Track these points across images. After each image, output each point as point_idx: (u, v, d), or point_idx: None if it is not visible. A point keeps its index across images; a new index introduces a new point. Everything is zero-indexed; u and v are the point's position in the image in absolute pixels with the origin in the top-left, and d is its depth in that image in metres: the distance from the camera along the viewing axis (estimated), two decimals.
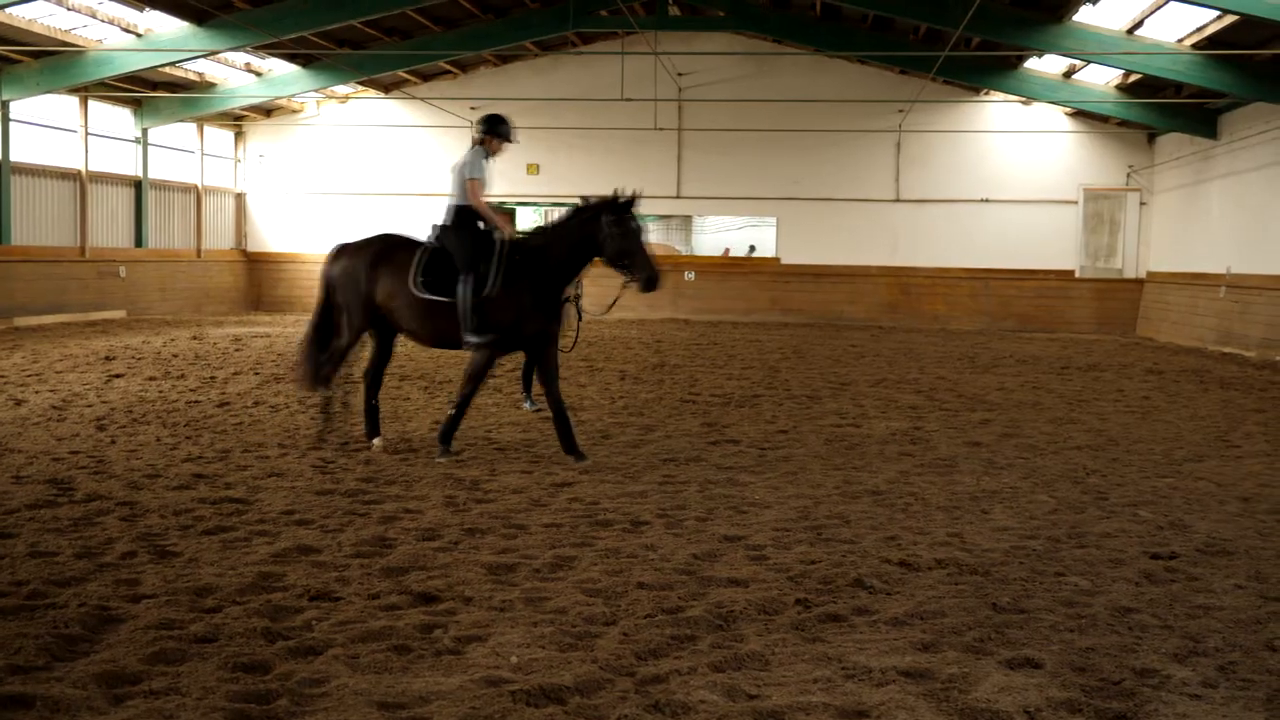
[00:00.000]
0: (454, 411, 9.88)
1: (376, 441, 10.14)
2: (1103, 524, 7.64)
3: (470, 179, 9.81)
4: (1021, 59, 25.32)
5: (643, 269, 9.55)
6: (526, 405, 12.65)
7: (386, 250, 9.95)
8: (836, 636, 5.30)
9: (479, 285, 9.41)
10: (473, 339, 9.47)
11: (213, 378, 14.82)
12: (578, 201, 9.83)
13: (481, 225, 9.85)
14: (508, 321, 9.50)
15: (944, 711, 4.43)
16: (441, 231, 9.86)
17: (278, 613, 5.42)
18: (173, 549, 6.50)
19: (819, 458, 10.00)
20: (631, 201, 9.49)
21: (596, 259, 9.66)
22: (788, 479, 9.04)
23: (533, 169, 30.66)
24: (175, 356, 17.34)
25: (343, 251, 10.27)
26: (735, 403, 13.64)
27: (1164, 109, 25.25)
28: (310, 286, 30.74)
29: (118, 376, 14.57)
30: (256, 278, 31.52)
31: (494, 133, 10.13)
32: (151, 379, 14.46)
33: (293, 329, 23.94)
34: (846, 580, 6.14)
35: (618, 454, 10.10)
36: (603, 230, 9.46)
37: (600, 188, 29.98)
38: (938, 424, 12.12)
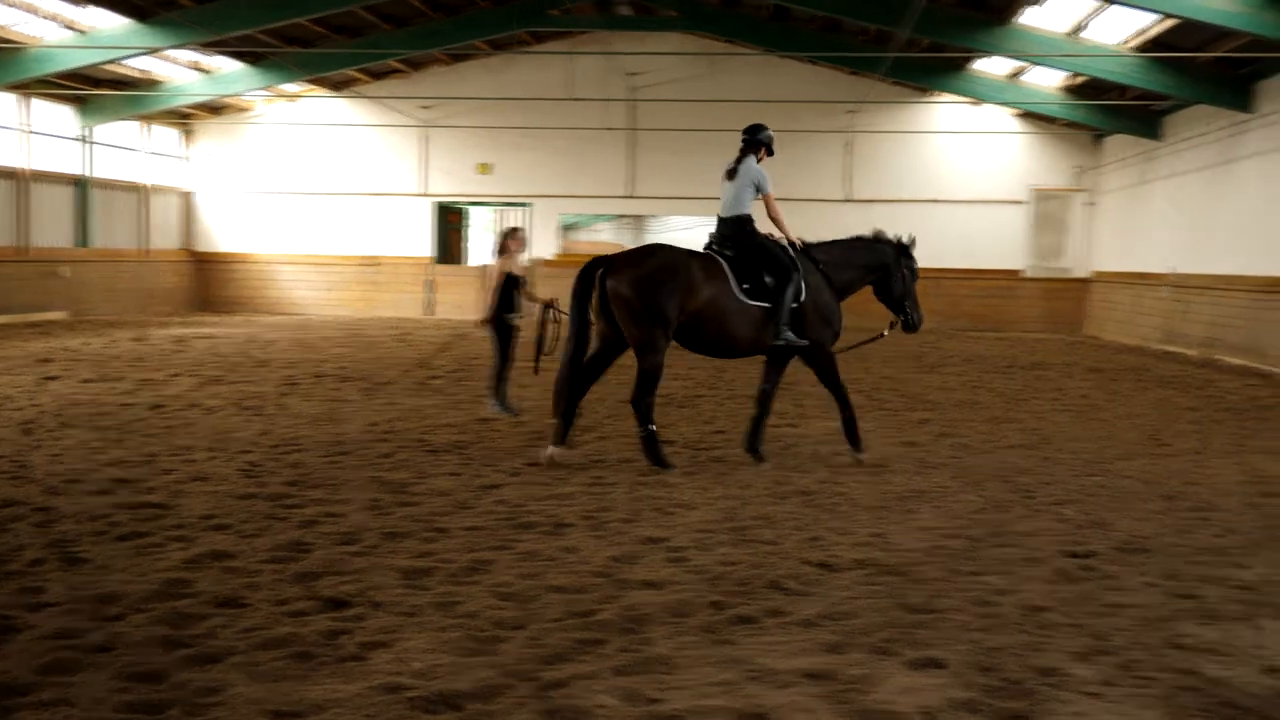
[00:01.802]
0: (845, 414, 9.90)
1: (556, 450, 9.65)
2: (1026, 523, 7.68)
3: (769, 192, 9.90)
4: (969, 60, 25.47)
5: (915, 312, 10.35)
6: (494, 408, 12.51)
7: (694, 260, 9.54)
8: (746, 639, 5.28)
9: (797, 292, 9.60)
10: (793, 338, 9.61)
11: (150, 380, 14.66)
12: (866, 233, 10.40)
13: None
14: (830, 326, 9.87)
15: (842, 713, 4.43)
16: (735, 241, 9.76)
17: (181, 620, 5.34)
18: (83, 555, 6.40)
19: (750, 458, 9.98)
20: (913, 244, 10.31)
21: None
22: (718, 480, 9.03)
23: (484, 168, 30.57)
24: (115, 358, 17.17)
25: (625, 265, 9.38)
26: (677, 403, 13.64)
27: (1110, 110, 25.45)
28: (261, 286, 30.69)
29: (52, 379, 14.40)
30: (204, 278, 31.24)
31: (766, 141, 10.06)
32: (87, 381, 14.30)
33: (238, 330, 23.79)
34: (763, 582, 6.14)
35: None
36: (898, 269, 10.22)
37: (553, 187, 30.17)
38: (875, 424, 12.13)
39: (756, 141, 9.99)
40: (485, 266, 12.85)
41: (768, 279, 9.59)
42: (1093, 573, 6.43)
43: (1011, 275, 29.53)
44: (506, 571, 6.31)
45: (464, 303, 30.22)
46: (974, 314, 29.18)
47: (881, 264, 10.23)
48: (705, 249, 9.87)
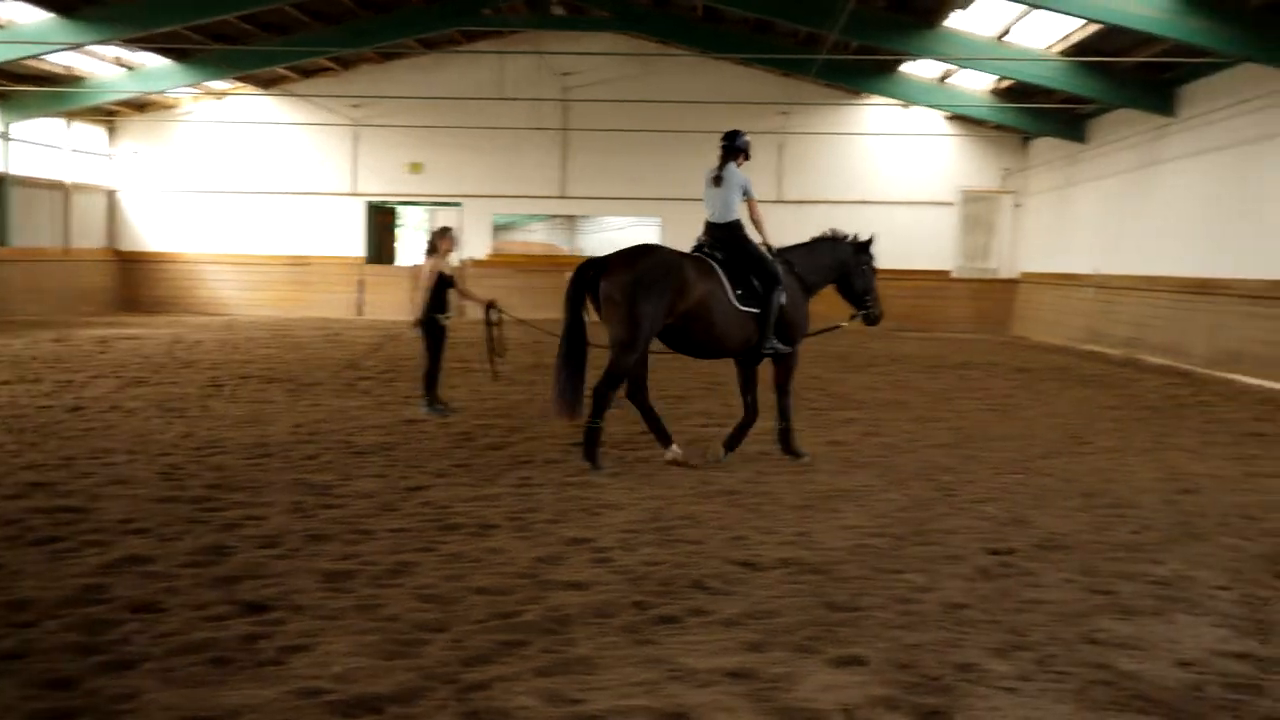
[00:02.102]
0: (784, 424, 10.09)
1: (675, 448, 9.80)
2: (948, 520, 7.76)
3: (754, 197, 10.18)
4: (898, 63, 25.69)
5: (876, 306, 10.79)
6: (424, 409, 12.45)
7: (687, 262, 9.61)
8: (668, 638, 5.29)
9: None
10: (779, 347, 9.92)
11: (70, 381, 14.41)
12: (825, 233, 10.81)
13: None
14: (801, 330, 10.15)
15: (763, 711, 4.46)
16: (727, 245, 9.92)
17: (96, 626, 5.26)
18: None
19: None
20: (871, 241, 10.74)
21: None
22: (644, 480, 9.04)
23: (416, 167, 30.38)
24: (34, 359, 16.85)
25: (618, 266, 9.40)
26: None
27: (1036, 113, 25.78)
28: (189, 286, 30.30)
29: None
30: (129, 278, 30.73)
31: (744, 147, 10.28)
32: (4, 383, 14.03)
33: (164, 330, 23.46)
34: (686, 582, 6.15)
35: (476, 456, 10.02)
36: (858, 264, 10.63)
37: (485, 187, 30.00)
38: (802, 423, 12.14)
39: (736, 148, 10.18)
40: (416, 266, 12.78)
41: (757, 284, 9.77)
42: (1012, 570, 6.51)
43: (940, 276, 29.83)
44: (430, 574, 6.28)
45: (395, 303, 29.98)
46: (903, 314, 29.30)
47: (844, 262, 10.62)
48: (696, 251, 10.00)
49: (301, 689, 4.58)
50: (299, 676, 4.75)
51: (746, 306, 9.72)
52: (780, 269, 9.95)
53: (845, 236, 10.76)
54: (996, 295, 29.85)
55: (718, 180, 10.06)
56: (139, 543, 6.75)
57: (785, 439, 10.11)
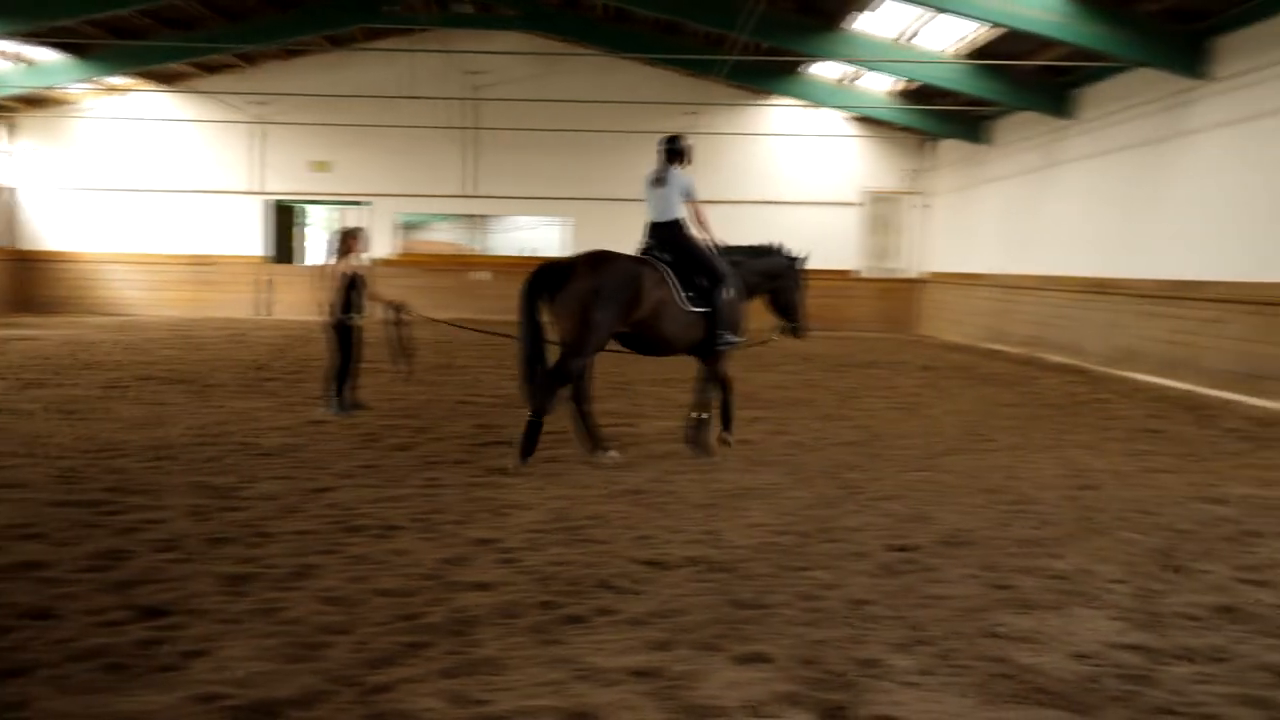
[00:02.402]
0: (705, 416, 10.26)
1: (615, 454, 9.89)
2: (853, 518, 7.84)
3: (698, 199, 10.27)
4: (804, 64, 25.91)
5: (804, 320, 11.26)
6: (332, 410, 12.35)
7: (641, 266, 9.74)
8: (575, 638, 5.29)
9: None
10: (734, 340, 10.18)
11: None
12: (770, 242, 11.07)
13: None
14: (743, 324, 10.37)
15: (668, 709, 4.47)
16: (672, 245, 10.06)
17: None
18: None
19: (585, 458, 10.00)
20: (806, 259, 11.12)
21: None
22: (551, 480, 9.02)
23: (322, 166, 30.01)
24: None
25: (581, 272, 9.46)
26: (514, 404, 13.54)
27: (939, 115, 26.16)
28: (90, 286, 29.64)
29: None
30: (27, 277, 29.91)
31: (685, 150, 10.33)
32: None
33: (63, 331, 22.95)
34: (593, 581, 6.15)
35: (382, 457, 9.92)
36: (790, 278, 10.95)
37: (391, 186, 29.69)
38: (711, 422, 12.25)
39: (677, 151, 10.25)
40: (324, 266, 12.63)
41: (704, 283, 9.98)
42: (915, 566, 6.60)
43: (847, 276, 30.12)
44: (334, 576, 6.21)
45: (301, 303, 29.67)
46: (810, 314, 29.58)
47: (779, 273, 10.88)
48: (642, 253, 10.10)
49: (200, 694, 4.51)
50: (198, 682, 4.67)
51: (696, 307, 9.93)
52: (728, 267, 10.19)
53: (783, 249, 11.01)
54: (902, 295, 30.26)
55: (659, 181, 10.14)
56: (34, 548, 6.59)
57: (703, 429, 10.23)
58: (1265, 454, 10.94)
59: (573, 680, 4.75)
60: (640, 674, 4.82)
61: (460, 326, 14.90)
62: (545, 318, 9.51)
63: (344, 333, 12.42)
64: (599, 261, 9.57)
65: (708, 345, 10.10)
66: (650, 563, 6.55)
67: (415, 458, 9.94)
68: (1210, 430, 12.46)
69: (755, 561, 6.63)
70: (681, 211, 10.13)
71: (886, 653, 5.12)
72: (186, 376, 15.54)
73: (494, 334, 12.87)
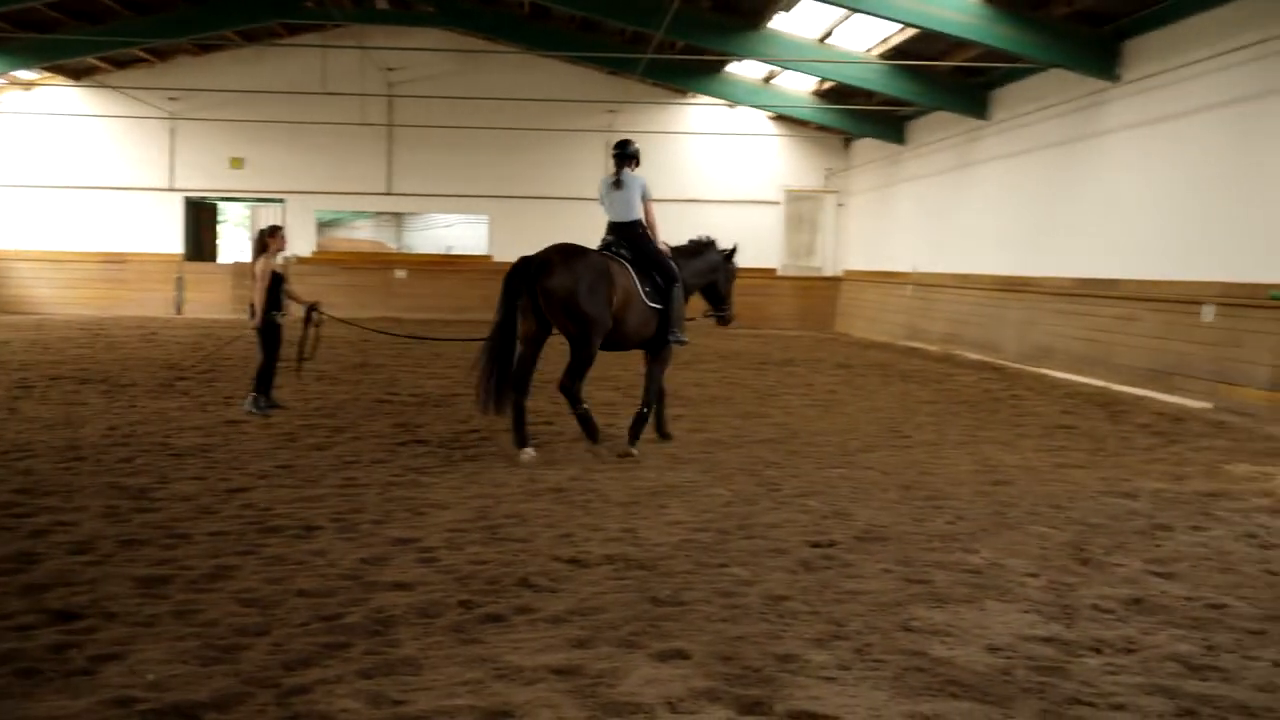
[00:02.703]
0: (649, 409, 10.60)
1: (531, 451, 9.93)
2: (772, 515, 7.88)
3: (651, 200, 10.77)
4: (724, 63, 26.03)
5: (730, 309, 11.94)
6: (250, 407, 12.26)
7: (609, 260, 10.21)
8: (494, 637, 5.27)
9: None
10: (683, 339, 10.70)
11: None
12: (701, 237, 11.64)
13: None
14: (684, 324, 10.83)
15: (588, 707, 4.46)
16: (631, 244, 10.51)
17: None
18: None
19: (505, 457, 9.96)
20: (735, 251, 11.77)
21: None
22: (471, 479, 8.98)
23: (236, 163, 29.66)
24: None
25: (557, 267, 9.79)
26: (432, 402, 13.52)
27: (857, 115, 26.42)
28: None
29: None
30: None
31: (636, 154, 10.92)
32: None
33: None
34: (513, 580, 6.13)
35: (300, 457, 9.82)
36: (725, 271, 11.59)
37: (308, 183, 29.37)
38: (629, 419, 12.26)
39: (629, 155, 10.80)
40: (247, 264, 12.52)
41: (659, 280, 10.47)
42: (833, 561, 6.65)
43: (767, 274, 30.31)
44: (250, 577, 6.13)
45: (215, 301, 29.29)
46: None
47: (715, 267, 11.50)
48: (603, 250, 10.44)
49: (113, 699, 4.43)
50: (111, 686, 4.59)
51: (652, 303, 10.38)
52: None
53: (714, 243, 11.60)
54: (821, 293, 30.52)
55: (618, 184, 10.61)
56: None
57: (642, 424, 10.47)
58: (1175, 449, 11.17)
59: (492, 679, 4.73)
60: (559, 672, 4.81)
61: (378, 331, 14.77)
62: (526, 318, 9.87)
63: (271, 331, 12.35)
64: (571, 255, 9.92)
65: (659, 341, 10.57)
66: (570, 561, 6.54)
67: (333, 457, 9.85)
68: (1122, 426, 12.70)
69: (674, 559, 6.64)
70: (640, 212, 10.61)
71: (804, 648, 5.16)
72: (98, 376, 15.27)
73: (395, 335, 12.87)
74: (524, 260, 9.86)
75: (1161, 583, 6.36)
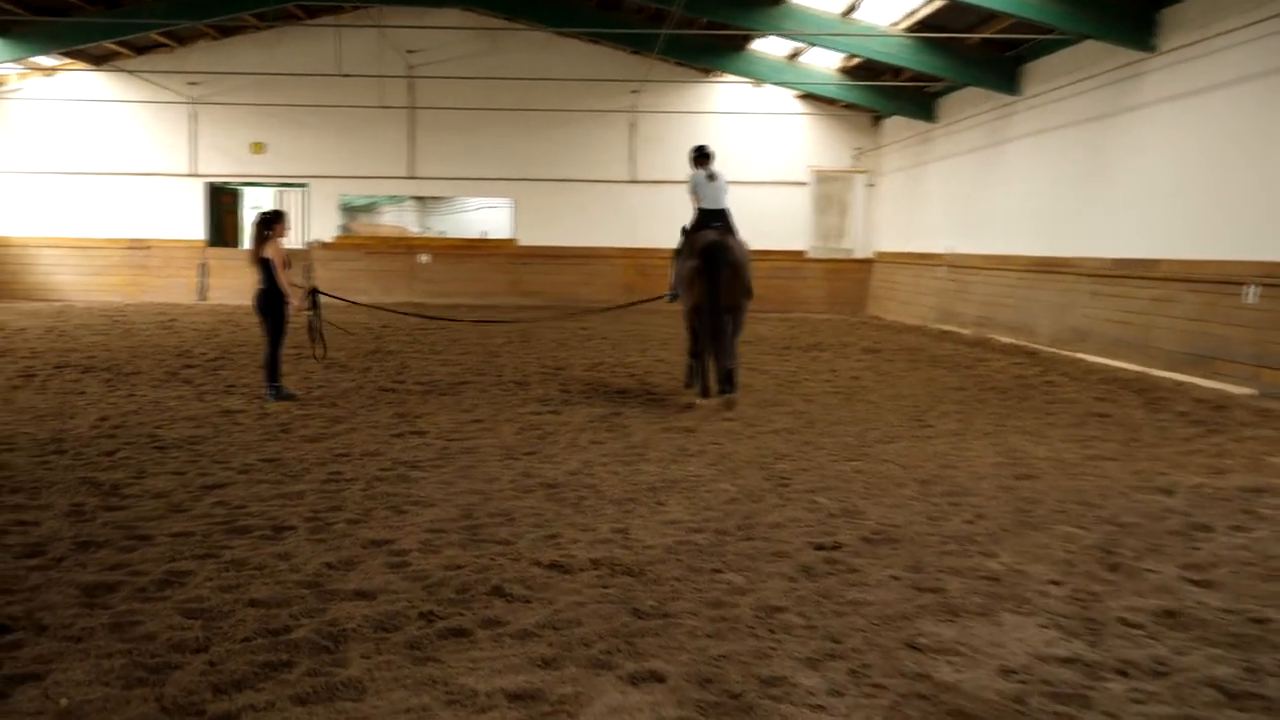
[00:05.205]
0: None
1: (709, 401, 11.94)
2: (777, 513, 7.35)
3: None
4: (747, 40, 25.40)
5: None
6: (272, 397, 12.17)
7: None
8: (453, 655, 4.78)
9: None
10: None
11: None
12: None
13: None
14: None
15: None
16: (725, 227, 12.48)
17: None
18: None
19: (504, 449, 9.48)
20: None
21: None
22: (464, 473, 8.50)
23: (258, 148, 29.26)
24: None
25: (733, 245, 12.01)
26: (439, 391, 13.04)
27: (885, 92, 25.73)
28: (23, 271, 28.79)
29: None
30: None
31: (713, 154, 13.17)
32: None
33: None
34: (486, 588, 5.64)
35: (289, 449, 9.37)
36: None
37: (331, 168, 29.03)
38: (639, 409, 11.77)
39: (707, 154, 12.97)
40: (256, 252, 12.16)
41: None
42: (836, 566, 6.12)
43: (796, 256, 29.69)
44: (203, 584, 5.67)
45: (240, 287, 28.93)
46: (759, 296, 28.86)
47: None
48: (718, 230, 12.30)
49: None
50: (19, 713, 4.15)
51: None
52: None
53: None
54: (851, 275, 29.84)
55: (712, 177, 12.68)
56: None
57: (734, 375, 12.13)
58: (1215, 439, 10.50)
59: (441, 706, 4.25)
60: (516, 697, 4.32)
61: (386, 310, 14.31)
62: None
63: (280, 317, 12.13)
64: (730, 234, 12.25)
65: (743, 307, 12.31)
66: (551, 566, 6.04)
67: (323, 450, 9.40)
68: (1159, 414, 12.04)
69: (665, 563, 6.13)
70: (729, 201, 12.67)
71: (794, 669, 4.64)
72: (104, 364, 14.91)
73: (399, 313, 12.65)
74: (714, 241, 11.80)
75: (1198, 592, 5.77)
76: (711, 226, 12.33)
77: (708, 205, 12.57)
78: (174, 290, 29.15)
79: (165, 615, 5.21)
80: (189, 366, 14.98)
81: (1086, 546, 6.63)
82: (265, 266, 12.03)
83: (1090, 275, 18.17)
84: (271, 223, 12.17)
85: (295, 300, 12.29)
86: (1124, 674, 4.66)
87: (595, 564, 6.09)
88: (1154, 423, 11.47)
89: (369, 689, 4.41)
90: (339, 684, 4.44)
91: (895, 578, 5.93)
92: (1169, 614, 5.41)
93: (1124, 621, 5.30)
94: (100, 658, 4.68)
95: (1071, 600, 5.61)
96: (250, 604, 5.39)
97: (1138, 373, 15.39)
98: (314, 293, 12.53)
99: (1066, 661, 4.78)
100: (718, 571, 6.01)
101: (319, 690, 4.38)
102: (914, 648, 4.91)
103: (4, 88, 29.02)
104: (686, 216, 13.05)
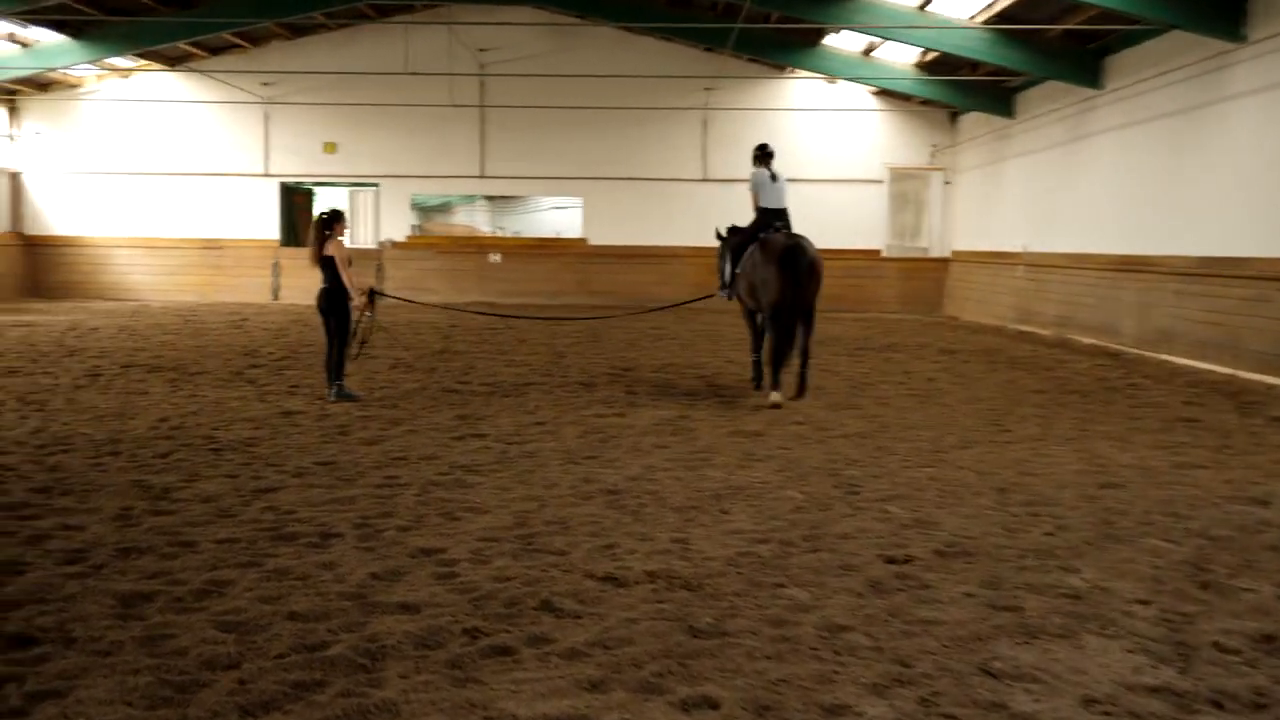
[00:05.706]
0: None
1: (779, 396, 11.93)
2: (845, 523, 7.01)
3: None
4: (821, 35, 24.95)
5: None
6: (333, 396, 12.16)
7: None
8: (495, 675, 4.51)
9: None
10: None
11: None
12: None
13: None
14: None
15: None
16: (787, 226, 12.80)
17: None
18: None
19: (565, 453, 9.22)
20: None
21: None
22: (521, 478, 8.24)
23: (330, 147, 29.30)
24: None
25: (809, 247, 12.16)
26: (502, 392, 12.82)
27: (963, 87, 25.14)
28: (99, 271, 29.08)
29: None
30: (35, 262, 29.38)
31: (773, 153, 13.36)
32: None
33: (64, 317, 22.33)
34: (534, 602, 5.37)
35: (345, 452, 9.18)
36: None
37: (403, 167, 28.99)
38: (707, 412, 11.46)
39: (770, 154, 13.16)
40: (317, 251, 12.14)
41: None
42: (908, 582, 5.76)
43: (871, 255, 29.17)
44: (242, 595, 5.47)
45: (313, 287, 28.88)
46: (833, 295, 28.49)
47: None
48: (788, 233, 12.47)
49: None
50: None
51: None
52: None
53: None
54: (927, 274, 29.27)
55: (774, 177, 12.86)
56: None
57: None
58: None
59: None
60: None
61: (446, 308, 14.14)
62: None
63: (346, 317, 12.17)
64: (799, 235, 12.30)
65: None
66: (605, 579, 5.75)
67: (380, 453, 9.20)
68: (1252, 419, 11.49)
69: (725, 577, 5.82)
70: (789, 200, 12.96)
71: (858, 695, 4.31)
72: (171, 364, 14.89)
73: (470, 311, 12.50)
74: (793, 243, 11.94)
75: None
76: (775, 226, 12.53)
77: (770, 204, 12.73)
78: (247, 290, 29.29)
79: (199, 628, 5.00)
80: (254, 366, 14.92)
81: (1176, 562, 6.21)
82: (329, 265, 11.97)
83: (1176, 274, 17.55)
84: (331, 222, 12.19)
85: (357, 299, 12.17)
86: (1219, 705, 4.27)
87: (651, 576, 5.80)
88: (1246, 428, 10.94)
89: (403, 712, 4.15)
90: (372, 706, 4.18)
91: (970, 595, 5.56)
92: (1268, 638, 4.99)
93: (1218, 646, 4.90)
94: (126, 674, 4.47)
95: (1160, 621, 5.21)
96: (289, 617, 5.16)
97: (1227, 375, 14.80)
98: (372, 293, 12.49)
99: (1155, 691, 4.40)
100: (780, 586, 5.69)
101: (350, 713, 4.13)
102: (989, 673, 4.55)
103: (81, 89, 29.30)
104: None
